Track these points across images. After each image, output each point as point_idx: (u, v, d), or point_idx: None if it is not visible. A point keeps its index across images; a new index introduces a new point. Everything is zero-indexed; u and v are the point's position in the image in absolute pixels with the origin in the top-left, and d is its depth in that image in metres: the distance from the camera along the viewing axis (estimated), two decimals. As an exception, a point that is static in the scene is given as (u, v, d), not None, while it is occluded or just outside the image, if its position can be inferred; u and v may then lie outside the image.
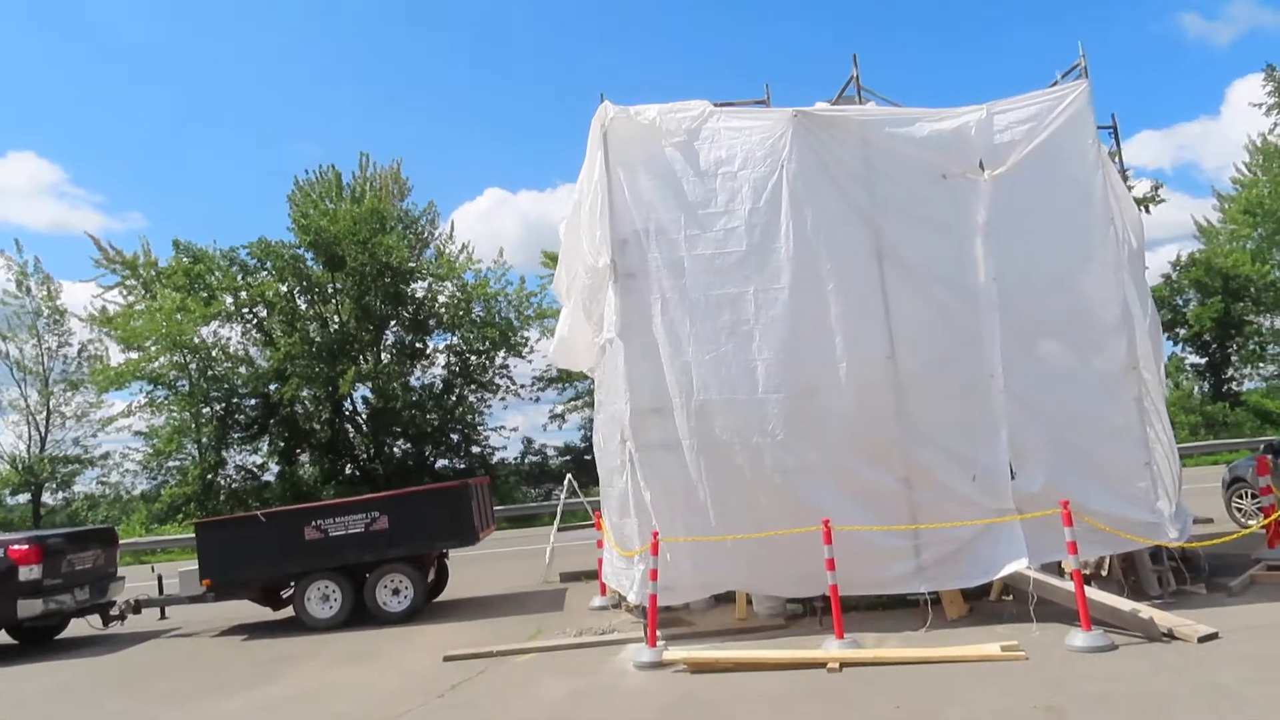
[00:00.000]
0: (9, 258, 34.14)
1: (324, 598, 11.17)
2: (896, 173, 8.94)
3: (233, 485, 30.53)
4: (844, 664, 7.31)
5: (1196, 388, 34.79)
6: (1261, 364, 36.61)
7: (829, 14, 72.79)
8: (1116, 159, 10.61)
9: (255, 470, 31.82)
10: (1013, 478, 8.57)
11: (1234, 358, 35.86)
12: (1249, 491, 13.10)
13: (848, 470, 8.50)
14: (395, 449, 31.84)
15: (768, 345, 8.68)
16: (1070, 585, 8.08)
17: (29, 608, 11.16)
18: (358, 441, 32.10)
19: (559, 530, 13.63)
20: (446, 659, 8.77)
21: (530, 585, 13.24)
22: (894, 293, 8.80)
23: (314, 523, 11.10)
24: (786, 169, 8.83)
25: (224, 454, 31.03)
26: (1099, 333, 8.89)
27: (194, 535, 12.24)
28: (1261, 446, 13.48)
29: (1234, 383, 35.57)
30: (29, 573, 11.18)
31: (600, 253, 9.16)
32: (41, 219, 64.36)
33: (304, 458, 31.47)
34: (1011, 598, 8.96)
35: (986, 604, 9.04)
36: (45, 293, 34.55)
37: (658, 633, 8.11)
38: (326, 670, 9.01)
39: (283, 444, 30.89)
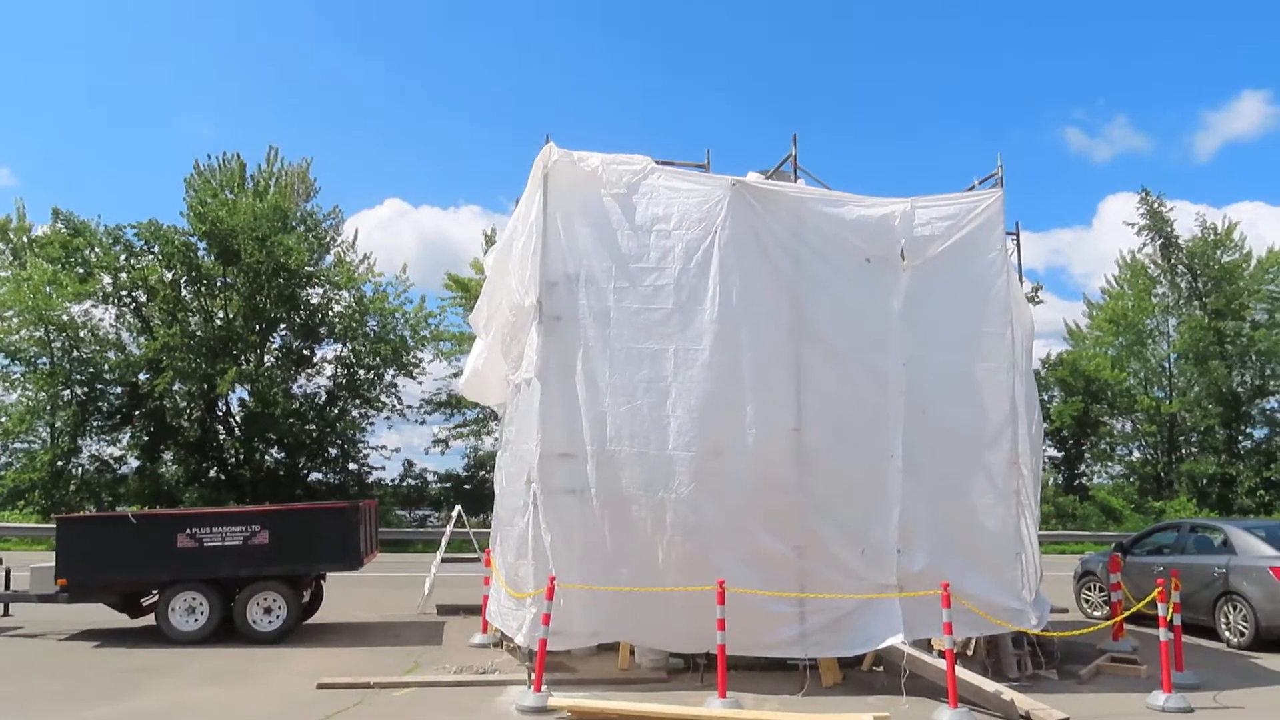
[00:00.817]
0: None
1: (190, 610, 10.68)
2: (824, 250, 9.35)
3: (85, 476, 28.77)
4: (724, 723, 7.47)
5: (1051, 479, 36.93)
6: (1110, 462, 39.23)
7: (765, 92, 75.32)
8: (1016, 264, 11.35)
9: (112, 462, 30.12)
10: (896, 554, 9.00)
11: (1087, 454, 38.23)
12: (1098, 585, 14.02)
13: (746, 533, 8.74)
14: (268, 456, 30.65)
15: (682, 404, 8.87)
16: (940, 663, 8.52)
17: None
18: (228, 444, 30.78)
19: (443, 561, 13.40)
20: (320, 686, 8.51)
21: (406, 615, 12.97)
22: (807, 366, 9.16)
23: (189, 530, 10.64)
24: (720, 235, 9.12)
25: (80, 441, 29.26)
26: (989, 427, 9.46)
27: (50, 528, 11.52)
28: (1113, 545, 14.47)
29: (1085, 478, 37.88)
30: None
31: (528, 291, 9.21)
32: None
33: (167, 455, 29.93)
34: (882, 669, 9.32)
35: (859, 673, 9.37)
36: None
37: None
38: (191, 687, 8.62)
39: (146, 438, 29.35)
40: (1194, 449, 37.21)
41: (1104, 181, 71.59)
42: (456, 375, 33.83)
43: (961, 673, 8.15)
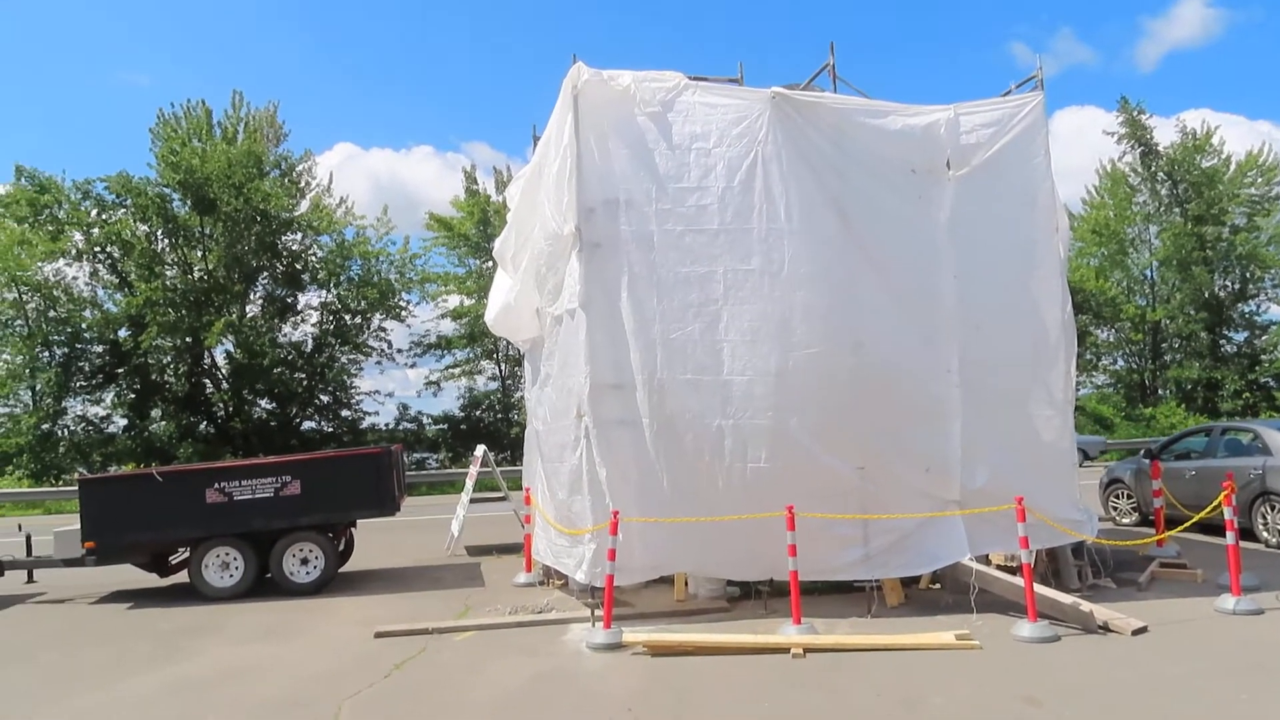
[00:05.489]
0: None
1: (224, 565, 10.37)
2: (869, 162, 8.97)
3: (75, 438, 28.11)
4: (807, 649, 7.32)
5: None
6: (1095, 372, 39.58)
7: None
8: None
9: (99, 422, 29.44)
10: (956, 471, 8.84)
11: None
12: (1125, 492, 14.05)
13: (807, 456, 8.50)
14: (258, 408, 30.11)
15: (734, 327, 8.56)
16: (1009, 578, 8.43)
17: None
18: (216, 398, 30.17)
19: (470, 502, 13.13)
20: (378, 635, 8.28)
21: (437, 559, 12.73)
22: (858, 282, 8.83)
23: (217, 484, 10.26)
24: (762, 150, 8.72)
25: (64, 403, 28.54)
26: (1045, 338, 9.24)
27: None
28: (1142, 452, 14.47)
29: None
30: None
31: (565, 219, 8.79)
32: None
33: (155, 412, 29.28)
34: (939, 585, 9.25)
35: (919, 591, 9.28)
36: None
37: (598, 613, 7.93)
38: (241, 646, 8.34)
39: (133, 396, 28.67)
40: (1179, 355, 37.58)
41: (1052, 96, 71.21)
42: (444, 316, 33.39)
43: (1038, 587, 8.05)
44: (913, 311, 8.91)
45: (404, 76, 73.42)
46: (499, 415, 32.71)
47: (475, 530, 14.19)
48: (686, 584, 9.27)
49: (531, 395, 10.86)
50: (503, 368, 33.56)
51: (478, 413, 33.18)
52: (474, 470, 13.52)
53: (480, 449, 13.54)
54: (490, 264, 30.74)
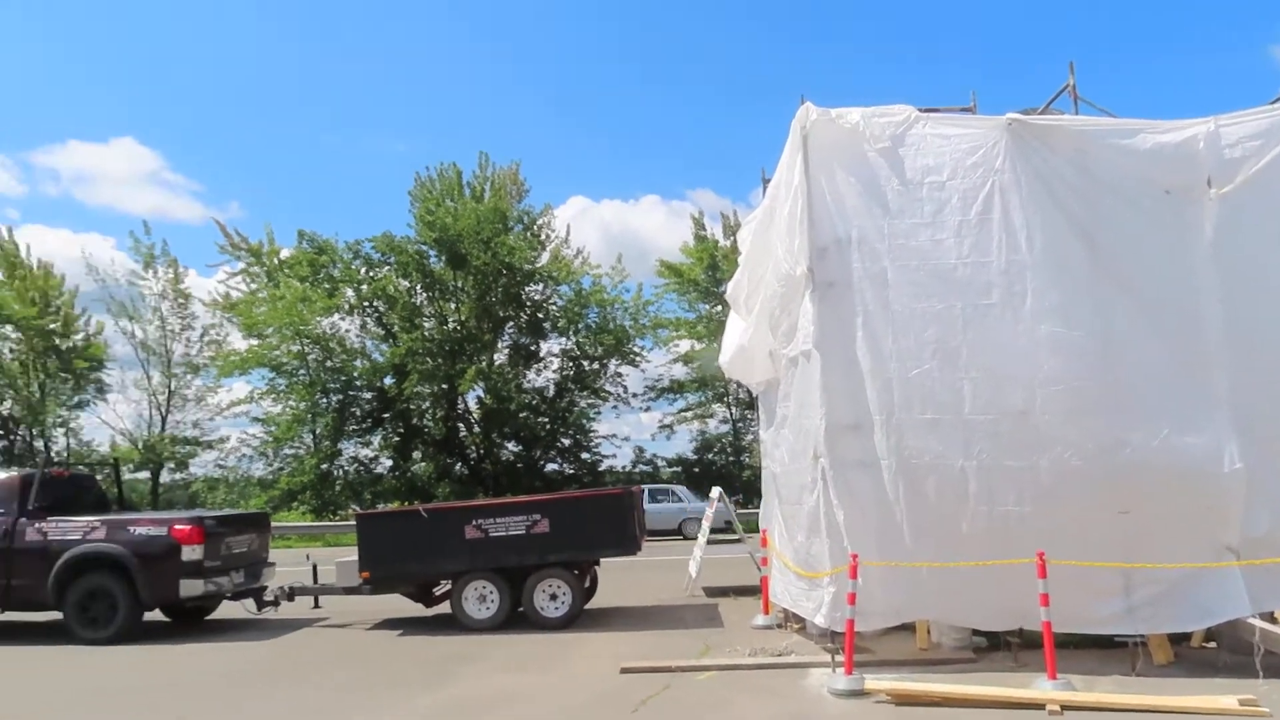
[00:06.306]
0: (137, 240, 35.17)
1: (481, 598, 11.11)
2: (1117, 185, 8.42)
3: (348, 477, 31.12)
4: (1065, 706, 6.85)
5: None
6: None
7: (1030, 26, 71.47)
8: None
9: (368, 463, 32.43)
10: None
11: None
12: None
13: (1059, 499, 8.01)
14: (505, 450, 32.08)
15: (975, 364, 8.26)
16: (1309, 638, 7.51)
17: (190, 587, 11.25)
18: (468, 441, 32.44)
19: (707, 543, 13.36)
20: (623, 671, 8.57)
21: (675, 598, 13.01)
22: (1109, 312, 8.28)
23: (474, 521, 11.06)
24: (999, 179, 8.42)
25: (339, 445, 31.69)
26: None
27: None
28: None
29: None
30: (191, 552, 11.24)
31: (798, 260, 8.87)
32: (143, 205, 67.91)
33: (416, 454, 31.90)
34: (1215, 645, 8.38)
35: (1190, 650, 8.46)
36: (171, 275, 35.29)
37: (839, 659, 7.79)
38: (498, 674, 8.90)
39: (397, 439, 31.40)
40: None
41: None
42: (676, 360, 34.27)
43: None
44: (1172, 341, 8.22)
45: (632, 131, 76.64)
46: (730, 458, 33.01)
47: (712, 571, 14.37)
48: (929, 632, 8.95)
49: (767, 437, 10.93)
50: (733, 411, 33.92)
51: (710, 455, 33.67)
52: (710, 511, 13.72)
53: (716, 491, 13.73)
54: (720, 308, 31.27)
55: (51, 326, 33.99)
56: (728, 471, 32.19)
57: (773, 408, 10.29)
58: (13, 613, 11.58)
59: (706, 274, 32.82)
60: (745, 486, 28.62)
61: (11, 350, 33.70)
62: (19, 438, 33.94)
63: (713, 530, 13.87)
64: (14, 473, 12.05)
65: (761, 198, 10.95)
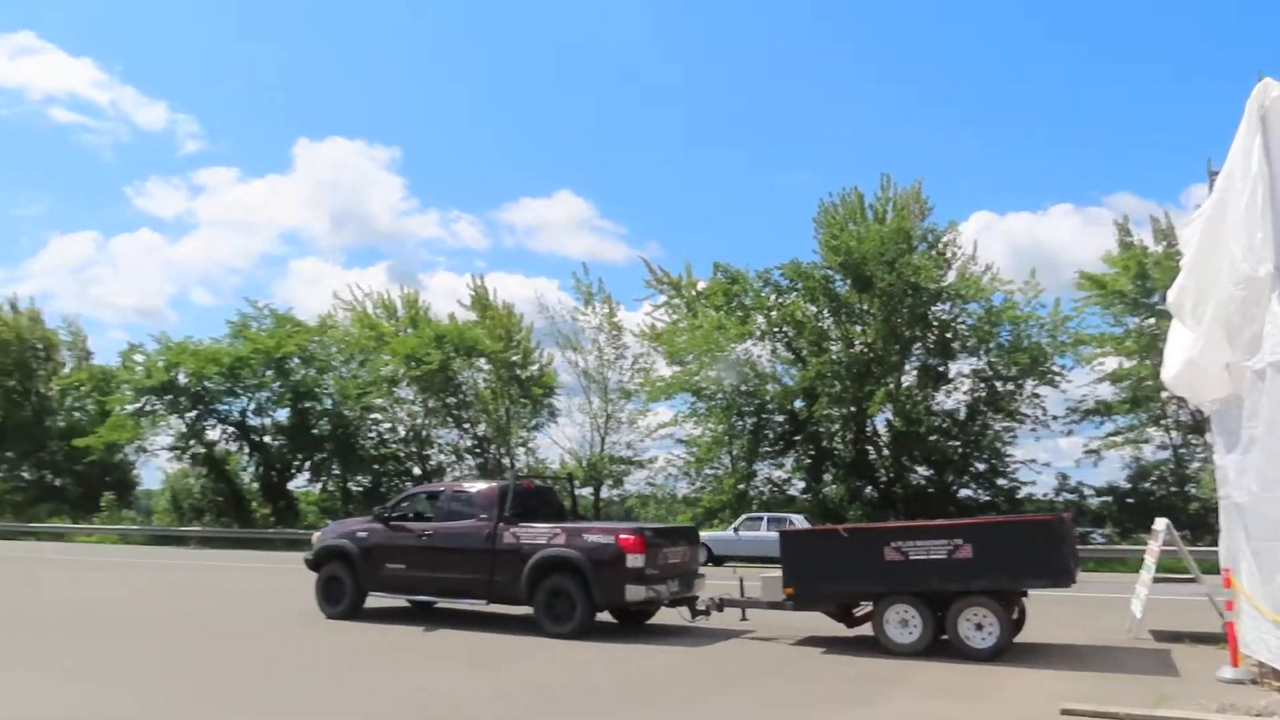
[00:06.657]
0: (578, 280, 40.03)
1: (902, 622, 10.99)
2: None
3: (763, 497, 32.33)
4: None
5: None
6: None
7: None
8: None
9: (780, 484, 33.43)
10: None
11: None
12: None
13: None
14: (916, 474, 31.34)
15: None
16: None
17: (634, 592, 12.39)
18: (878, 464, 32.17)
19: (1154, 581, 12.02)
20: (1064, 712, 8.00)
21: (1115, 639, 11.85)
22: None
23: (893, 543, 10.98)
24: None
25: (754, 466, 33.05)
26: None
27: (777, 542, 12.60)
28: None
29: None
30: (635, 560, 12.37)
31: (1260, 259, 7.79)
32: (579, 249, 77.85)
33: (827, 476, 32.30)
34: None
35: None
36: (606, 310, 39.47)
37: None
38: (927, 699, 8.77)
39: (809, 461, 32.03)
40: None
41: None
42: (1102, 380, 31.11)
43: None
44: None
45: (1037, 138, 71.45)
46: (1171, 488, 29.21)
47: (1158, 613, 12.85)
48: None
49: (1228, 462, 9.62)
50: (1173, 435, 30.00)
51: (1146, 484, 30.09)
52: (1154, 546, 12.33)
53: (1162, 523, 12.30)
54: (1152, 320, 28.04)
55: (514, 359, 40.41)
56: (1168, 503, 28.40)
57: (1234, 429, 9.05)
58: (496, 605, 13.56)
59: (1135, 284, 29.40)
60: (1192, 520, 25.11)
61: (485, 380, 40.21)
62: (490, 455, 39.97)
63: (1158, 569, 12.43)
64: (494, 484, 14.24)
65: (1207, 193, 9.75)
